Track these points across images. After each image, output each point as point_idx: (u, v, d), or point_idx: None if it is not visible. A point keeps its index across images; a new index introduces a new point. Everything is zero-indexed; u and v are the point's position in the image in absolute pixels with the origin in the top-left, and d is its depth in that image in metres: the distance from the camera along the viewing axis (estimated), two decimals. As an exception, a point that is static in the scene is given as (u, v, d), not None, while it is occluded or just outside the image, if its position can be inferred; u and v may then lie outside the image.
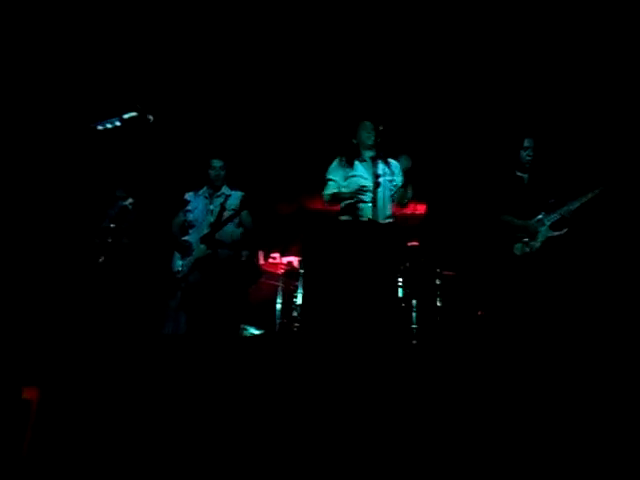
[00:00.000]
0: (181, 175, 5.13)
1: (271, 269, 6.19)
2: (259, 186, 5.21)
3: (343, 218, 3.88)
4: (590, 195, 3.70)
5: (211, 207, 4.33)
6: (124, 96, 3.60)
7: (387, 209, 3.83)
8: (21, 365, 2.26)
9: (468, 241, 5.08)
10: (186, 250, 4.21)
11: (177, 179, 5.07)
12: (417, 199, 6.22)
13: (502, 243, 3.85)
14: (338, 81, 5.33)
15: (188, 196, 4.49)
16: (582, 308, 3.91)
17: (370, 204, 3.69)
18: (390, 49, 5.02)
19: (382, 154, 3.83)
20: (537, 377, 2.45)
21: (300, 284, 6.03)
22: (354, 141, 3.97)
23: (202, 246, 4.16)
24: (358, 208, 3.75)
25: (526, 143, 3.89)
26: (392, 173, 3.87)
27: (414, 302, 5.32)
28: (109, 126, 2.69)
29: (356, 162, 3.92)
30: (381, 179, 3.74)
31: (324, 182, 4.02)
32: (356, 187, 3.80)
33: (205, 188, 4.47)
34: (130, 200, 4.35)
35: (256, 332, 5.74)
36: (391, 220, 3.86)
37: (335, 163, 4.03)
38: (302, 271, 5.87)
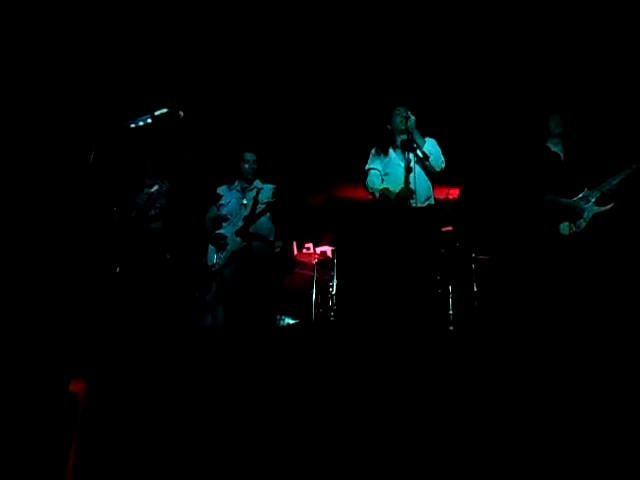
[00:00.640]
0: (213, 169, 5.19)
1: (305, 259, 6.24)
2: (290, 178, 5.23)
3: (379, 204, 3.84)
4: (628, 170, 3.58)
5: (244, 201, 4.36)
6: (155, 93, 3.65)
7: (426, 191, 3.78)
8: (68, 358, 2.33)
9: (506, 224, 4.96)
10: (221, 243, 4.26)
11: (209, 173, 5.12)
12: (450, 184, 6.14)
13: (547, 224, 3.74)
14: (367, 70, 5.26)
15: (221, 190, 4.53)
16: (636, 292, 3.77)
17: (405, 190, 3.65)
18: (417, 34, 4.93)
19: (411, 137, 3.76)
20: (584, 366, 2.38)
21: (334, 273, 6.05)
22: (388, 127, 3.98)
23: (237, 239, 4.20)
24: (392, 192, 3.73)
25: (552, 118, 3.88)
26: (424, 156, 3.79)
27: (450, 288, 5.28)
28: (141, 123, 2.74)
29: (390, 149, 3.93)
30: (412, 164, 3.70)
31: (364, 175, 4.02)
32: (394, 173, 3.78)
33: (237, 182, 4.50)
34: (156, 187, 4.43)
35: (292, 322, 5.79)
36: (431, 202, 3.81)
37: (372, 152, 4.05)
38: (336, 260, 5.88)
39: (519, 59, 4.99)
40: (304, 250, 6.17)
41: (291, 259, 6.13)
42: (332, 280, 6.00)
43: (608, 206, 3.60)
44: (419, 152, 3.75)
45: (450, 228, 5.47)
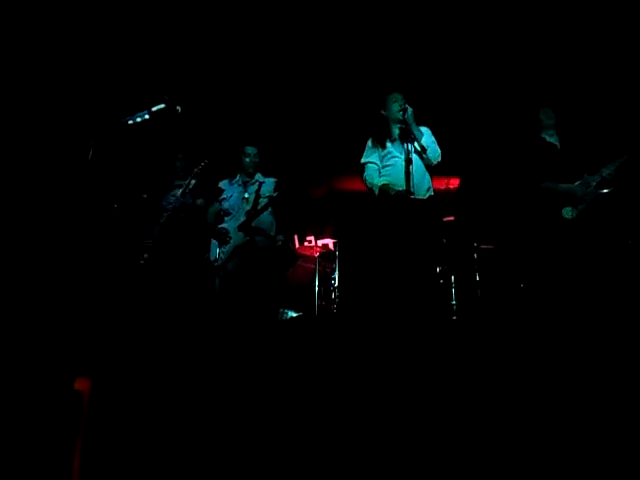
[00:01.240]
0: (214, 164, 5.19)
1: (307, 252, 6.25)
2: (291, 171, 5.22)
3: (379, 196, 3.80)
4: (626, 156, 3.65)
5: (246, 195, 4.35)
6: (153, 89, 3.63)
7: (425, 182, 3.75)
8: (73, 356, 2.34)
9: (507, 213, 4.97)
10: (224, 238, 4.26)
11: (210, 168, 5.12)
12: (450, 174, 6.12)
13: (548, 210, 3.77)
14: (364, 60, 5.24)
15: (222, 184, 4.52)
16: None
17: (405, 182, 3.61)
18: (413, 26, 4.90)
19: (409, 128, 3.71)
20: (590, 356, 2.38)
21: (336, 266, 6.05)
22: (383, 112, 3.89)
23: (240, 233, 4.19)
24: (392, 189, 3.69)
25: (542, 110, 3.98)
26: (422, 149, 3.77)
27: (452, 278, 5.28)
28: (139, 120, 2.73)
29: (387, 141, 3.85)
30: (412, 155, 3.65)
31: (361, 168, 3.93)
32: (393, 165, 3.74)
33: (239, 176, 4.49)
34: (180, 190, 4.54)
35: (295, 315, 5.80)
36: (431, 193, 3.78)
37: (369, 145, 3.96)
38: (337, 253, 5.87)
39: (510, 50, 5.01)
40: (306, 243, 6.18)
41: (293, 252, 6.14)
42: (334, 272, 6.01)
43: (609, 189, 3.66)
44: (417, 145, 3.70)
45: (452, 218, 5.47)
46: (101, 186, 4.28)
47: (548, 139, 3.95)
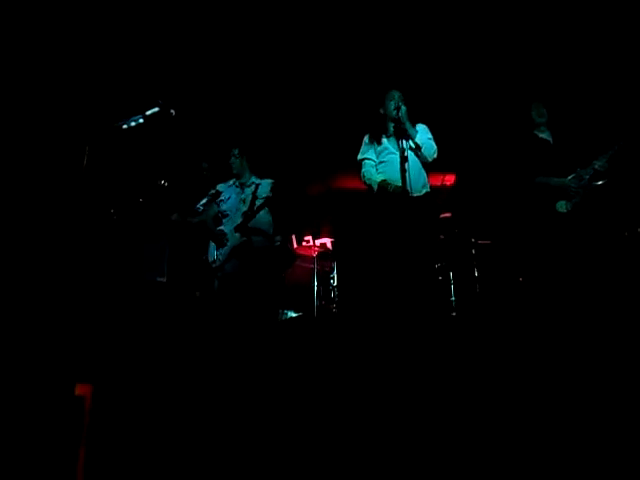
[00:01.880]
0: (211, 166, 5.19)
1: (305, 252, 6.25)
2: (287, 170, 5.21)
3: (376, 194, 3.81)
4: (616, 147, 3.69)
5: (243, 196, 4.37)
6: (147, 93, 3.63)
7: (421, 179, 3.76)
8: (74, 362, 2.33)
9: (503, 208, 4.98)
10: (221, 240, 4.27)
11: (208, 170, 5.12)
12: (445, 170, 6.13)
13: (542, 204, 3.79)
14: (360, 58, 5.25)
15: (220, 187, 4.54)
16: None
17: (401, 179, 3.61)
18: (408, 24, 4.91)
19: (403, 126, 3.71)
20: (588, 349, 2.38)
21: (335, 265, 6.05)
22: (381, 111, 3.90)
23: (237, 235, 4.21)
24: (390, 184, 3.69)
25: (534, 107, 4.01)
26: (416, 147, 3.77)
27: (451, 274, 5.29)
28: (133, 124, 2.72)
29: (383, 138, 3.87)
30: (407, 152, 3.66)
31: (358, 164, 3.95)
32: (389, 162, 3.75)
33: (234, 179, 4.50)
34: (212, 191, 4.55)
35: (295, 315, 5.80)
36: (427, 190, 3.79)
37: (365, 141, 3.98)
38: (335, 252, 5.87)
39: (503, 47, 5.05)
40: (304, 243, 6.18)
41: (291, 252, 6.13)
42: (333, 272, 6.01)
43: (602, 181, 3.69)
44: (411, 142, 3.72)
45: (449, 215, 5.47)
46: (97, 191, 4.27)
47: (540, 135, 3.99)
